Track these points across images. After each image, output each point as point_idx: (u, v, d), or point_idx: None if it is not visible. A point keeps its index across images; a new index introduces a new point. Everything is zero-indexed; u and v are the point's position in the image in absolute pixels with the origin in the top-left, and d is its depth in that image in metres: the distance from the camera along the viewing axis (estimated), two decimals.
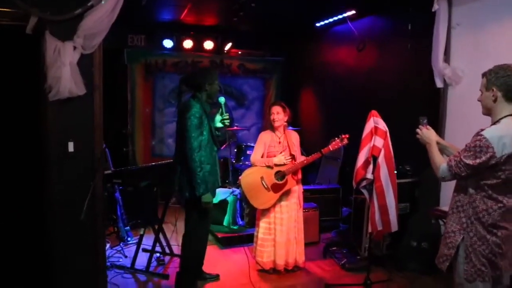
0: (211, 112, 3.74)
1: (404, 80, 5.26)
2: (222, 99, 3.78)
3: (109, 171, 4.51)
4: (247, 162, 6.15)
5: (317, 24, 6.92)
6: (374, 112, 3.91)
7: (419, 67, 4.90)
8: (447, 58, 4.47)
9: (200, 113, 3.48)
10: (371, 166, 3.81)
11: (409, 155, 4.37)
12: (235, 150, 6.49)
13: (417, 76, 5.00)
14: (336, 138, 4.08)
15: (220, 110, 3.76)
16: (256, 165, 4.27)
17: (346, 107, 6.55)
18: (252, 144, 6.37)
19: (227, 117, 3.76)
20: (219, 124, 3.78)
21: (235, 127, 6.71)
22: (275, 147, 4.30)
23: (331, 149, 4.06)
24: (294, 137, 4.40)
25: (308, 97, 7.96)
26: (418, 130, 2.73)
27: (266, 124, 8.90)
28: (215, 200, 5.61)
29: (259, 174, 4.21)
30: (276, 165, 4.20)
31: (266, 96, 8.61)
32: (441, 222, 4.21)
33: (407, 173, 4.71)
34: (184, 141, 3.46)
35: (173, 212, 5.39)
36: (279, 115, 4.26)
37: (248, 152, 6.29)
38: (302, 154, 4.48)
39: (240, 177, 4.40)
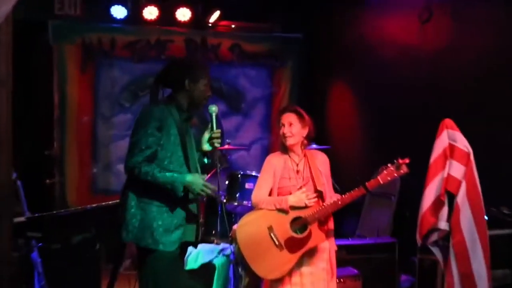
0: (191, 122, 3.81)
1: (498, 69, 5.23)
2: (213, 109, 3.84)
3: (22, 218, 4.49)
4: (245, 203, 6.16)
5: None
6: (448, 121, 3.94)
7: None
8: None
9: (163, 116, 3.55)
10: (445, 210, 3.84)
11: (508, 191, 4.34)
12: (226, 182, 6.49)
13: None
14: (389, 165, 4.08)
15: (210, 125, 3.83)
16: (261, 208, 4.29)
17: (403, 112, 6.52)
18: (253, 173, 6.36)
19: (218, 135, 3.80)
20: (206, 146, 3.85)
21: (226, 146, 6.72)
22: (291, 179, 4.32)
23: (382, 182, 4.05)
24: (321, 161, 4.43)
25: (342, 97, 7.96)
26: None
27: (276, 141, 8.90)
28: (195, 264, 5.45)
29: (265, 222, 4.22)
30: (293, 208, 4.20)
31: (275, 96, 8.64)
32: None
33: (505, 219, 4.65)
34: None
35: (126, 282, 5.31)
36: (293, 127, 4.31)
37: (247, 185, 6.30)
38: (334, 189, 4.49)
39: (234, 227, 4.40)
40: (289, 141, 4.31)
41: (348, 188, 4.20)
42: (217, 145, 3.78)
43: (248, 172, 6.47)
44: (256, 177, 6.41)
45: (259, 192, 4.35)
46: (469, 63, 5.58)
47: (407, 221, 6.21)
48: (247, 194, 6.22)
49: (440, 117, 3.97)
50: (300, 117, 4.34)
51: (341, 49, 7.80)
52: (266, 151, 8.59)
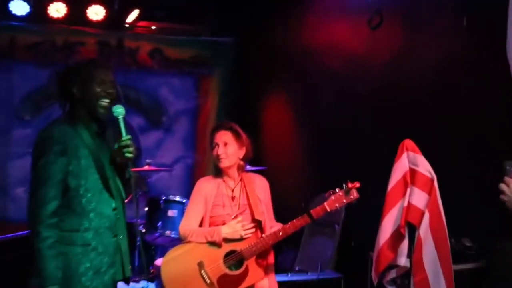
0: (104, 136, 3.63)
1: (454, 79, 5.29)
2: (118, 110, 3.62)
3: None
4: (168, 233, 6.21)
5: None
6: (408, 143, 3.95)
7: (482, 58, 4.94)
8: None
9: (66, 137, 3.35)
10: (405, 244, 3.85)
11: (469, 221, 4.38)
12: (146, 209, 6.52)
13: (479, 74, 5.02)
14: (337, 190, 4.10)
15: (119, 129, 3.59)
16: (189, 241, 4.26)
17: (351, 129, 6.54)
18: (177, 198, 6.42)
19: (129, 142, 3.58)
20: (117, 159, 3.61)
21: (146, 166, 6.70)
22: (226, 207, 4.33)
23: (329, 209, 4.06)
24: (260, 187, 4.46)
25: (280, 111, 7.96)
26: (502, 185, 2.64)
27: (203, 160, 9.16)
28: None
29: (195, 257, 4.19)
30: (227, 240, 4.18)
31: (201, 108, 8.68)
32: None
33: (466, 252, 4.67)
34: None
35: None
36: (228, 147, 4.32)
37: (170, 212, 6.34)
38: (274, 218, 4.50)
39: (158, 263, 4.40)
40: (224, 163, 4.31)
41: (288, 216, 4.18)
42: (128, 155, 3.55)
43: (172, 197, 6.51)
44: (180, 202, 6.52)
45: (188, 222, 4.33)
46: (426, 72, 5.61)
47: (353, 253, 6.22)
48: (170, 222, 6.30)
49: (395, 134, 3.96)
50: (237, 136, 4.36)
51: (279, 56, 7.80)
52: (191, 172, 8.71)
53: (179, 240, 6.36)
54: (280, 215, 4.48)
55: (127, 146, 3.49)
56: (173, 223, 6.31)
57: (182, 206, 6.43)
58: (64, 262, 3.30)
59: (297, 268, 6.62)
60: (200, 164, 8.65)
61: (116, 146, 3.56)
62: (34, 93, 7.99)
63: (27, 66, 7.91)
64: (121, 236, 3.53)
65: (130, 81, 8.08)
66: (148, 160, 6.80)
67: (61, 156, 3.30)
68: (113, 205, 3.49)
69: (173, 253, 4.25)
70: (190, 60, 8.54)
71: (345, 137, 6.61)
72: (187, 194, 8.01)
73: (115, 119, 3.55)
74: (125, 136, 3.49)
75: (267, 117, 8.19)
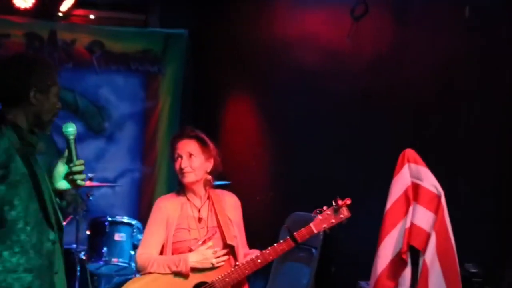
0: (36, 149, 3.51)
1: (459, 81, 5.31)
2: (69, 130, 3.55)
3: None
4: (115, 260, 6.29)
5: None
6: (410, 152, 3.98)
7: (486, 54, 4.99)
8: None
9: (7, 159, 3.23)
10: (408, 272, 3.86)
11: (475, 244, 4.41)
12: (88, 232, 6.55)
13: (484, 73, 5.07)
14: (324, 208, 4.16)
15: (66, 152, 3.53)
16: (149, 271, 4.24)
17: (331, 137, 6.53)
18: (125, 219, 6.52)
19: (82, 168, 3.51)
20: (62, 184, 3.54)
21: (87, 182, 6.57)
22: (191, 231, 4.34)
23: (316, 231, 4.15)
24: (231, 205, 4.52)
25: (244, 116, 7.99)
26: None
27: (152, 174, 9.11)
28: None
29: None
30: (195, 270, 4.19)
31: (150, 113, 8.70)
32: None
33: (471, 280, 4.66)
34: None
35: None
36: (193, 159, 4.35)
37: (117, 236, 6.39)
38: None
39: None
40: (188, 178, 4.33)
41: (255, 240, 4.33)
42: (80, 183, 3.51)
43: (118, 217, 6.57)
44: (128, 224, 6.57)
45: (147, 249, 4.32)
46: (421, 72, 5.64)
47: (333, 281, 6.30)
48: (118, 248, 6.36)
49: (391, 144, 3.95)
50: (203, 145, 4.39)
51: (243, 51, 7.80)
52: (138, 187, 8.74)
53: (128, 269, 6.43)
54: (247, 239, 4.51)
55: (79, 172, 3.43)
56: (121, 249, 6.35)
57: (130, 229, 6.50)
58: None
59: None
60: (149, 178, 8.67)
61: (65, 169, 3.50)
62: None
63: None
64: (59, 273, 3.44)
65: (65, 80, 7.96)
66: (90, 175, 6.74)
67: (1, 183, 3.19)
68: (52, 237, 3.39)
69: (131, 286, 4.20)
70: (136, 55, 8.52)
71: (325, 146, 6.61)
72: (134, 214, 8.11)
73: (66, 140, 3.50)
74: (77, 161, 3.43)
75: (229, 123, 8.21)
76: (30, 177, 3.29)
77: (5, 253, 3.19)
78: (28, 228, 3.25)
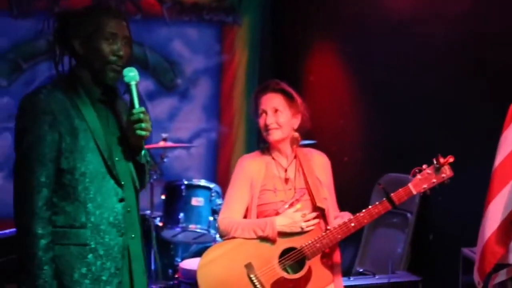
0: (114, 104, 3.61)
1: None
2: (130, 74, 3.59)
3: None
4: (193, 227, 6.32)
5: None
6: None
7: None
8: None
9: (55, 106, 3.34)
10: None
11: None
12: (162, 197, 6.60)
13: None
14: (424, 167, 4.15)
15: (131, 99, 3.57)
16: (232, 237, 4.29)
17: (428, 89, 6.46)
18: (202, 183, 6.54)
19: (142, 115, 3.54)
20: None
21: (161, 143, 6.76)
22: (278, 192, 4.36)
23: (415, 192, 4.14)
24: (320, 165, 4.53)
25: (329, 69, 7.96)
26: None
27: (230, 134, 9.21)
28: None
29: (241, 258, 4.21)
30: (282, 235, 4.21)
31: (226, 67, 8.73)
32: None
33: None
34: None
35: None
36: (279, 115, 4.37)
37: (194, 201, 6.41)
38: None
39: (184, 265, 4.60)
40: (274, 136, 4.34)
41: (346, 204, 4.32)
42: (141, 133, 3.51)
43: (195, 181, 6.59)
44: (206, 188, 6.61)
45: (229, 212, 4.35)
46: None
47: (431, 249, 6.28)
48: (195, 214, 6.38)
49: (499, 97, 3.87)
50: (290, 100, 4.40)
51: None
52: (214, 148, 8.79)
53: (206, 236, 6.50)
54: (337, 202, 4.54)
55: (139, 120, 3.44)
56: (198, 215, 6.40)
57: (209, 193, 6.53)
58: (56, 262, 3.31)
59: (358, 270, 6.68)
60: (227, 138, 8.75)
61: (125, 120, 3.56)
62: (9, 51, 8.04)
63: None
64: (132, 235, 3.53)
65: (134, 34, 7.99)
66: (163, 135, 6.79)
67: (51, 129, 3.30)
68: (120, 195, 3.47)
69: (213, 253, 4.27)
70: (210, 4, 8.54)
71: (420, 102, 6.57)
72: (212, 176, 8.18)
73: (126, 85, 3.54)
74: (137, 108, 3.46)
75: (313, 77, 8.19)
76: (93, 129, 3.38)
77: (62, 206, 3.32)
78: (87, 180, 3.34)
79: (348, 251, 6.94)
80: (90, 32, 3.42)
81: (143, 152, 3.62)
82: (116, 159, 3.49)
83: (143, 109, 3.45)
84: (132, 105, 3.47)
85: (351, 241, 6.88)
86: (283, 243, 4.16)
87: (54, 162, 3.30)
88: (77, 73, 3.46)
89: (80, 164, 3.35)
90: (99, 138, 3.41)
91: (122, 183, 3.48)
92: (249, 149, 7.89)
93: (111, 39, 3.42)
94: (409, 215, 6.51)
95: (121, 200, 3.45)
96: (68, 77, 3.48)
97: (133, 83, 3.49)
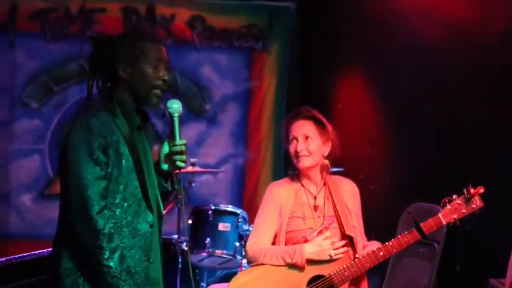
0: (146, 130, 3.66)
1: None
2: (175, 106, 3.64)
3: None
4: (219, 252, 6.28)
5: None
6: None
7: None
8: None
9: (106, 129, 3.37)
10: None
11: None
12: (190, 221, 6.57)
13: None
14: (454, 197, 4.16)
15: (171, 132, 3.63)
16: (261, 262, 4.28)
17: (457, 119, 6.39)
18: (229, 208, 6.53)
19: (183, 148, 3.59)
20: (165, 166, 3.66)
21: (190, 167, 6.77)
22: (307, 219, 4.35)
23: (444, 222, 4.15)
24: (349, 193, 4.52)
25: (357, 96, 7.96)
26: None
27: (257, 160, 9.18)
28: None
29: (269, 284, 4.23)
30: (311, 262, 4.18)
31: (255, 93, 8.71)
32: None
33: None
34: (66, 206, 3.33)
35: None
36: (310, 142, 4.37)
37: (221, 226, 6.39)
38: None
39: None
40: (305, 163, 4.34)
41: (372, 231, 4.37)
42: (180, 164, 3.60)
43: (222, 206, 6.58)
44: (234, 213, 6.59)
45: (258, 239, 4.35)
46: None
47: (459, 279, 6.22)
48: (222, 239, 6.36)
49: None
50: (321, 127, 4.44)
51: (356, 25, 7.76)
52: (241, 174, 8.73)
53: (233, 262, 6.49)
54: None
55: (181, 152, 3.53)
56: (225, 240, 6.38)
57: (235, 219, 6.50)
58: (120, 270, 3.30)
59: None
60: (253, 164, 8.73)
61: (166, 150, 3.61)
62: (42, 74, 8.06)
63: (33, 39, 7.98)
64: (151, 260, 3.51)
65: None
66: (192, 160, 6.80)
67: (103, 153, 3.31)
68: (150, 220, 3.50)
69: (241, 278, 4.25)
70: (239, 30, 8.55)
71: (447, 130, 6.52)
72: (238, 202, 8.15)
73: (170, 116, 3.59)
74: (180, 140, 3.54)
75: (341, 104, 8.17)
76: (132, 154, 3.41)
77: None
78: (125, 204, 3.37)
79: (374, 280, 6.85)
80: (135, 56, 3.46)
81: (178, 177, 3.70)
82: (148, 184, 3.51)
83: (185, 141, 3.53)
84: (173, 136, 3.54)
85: (377, 271, 6.80)
86: (311, 271, 4.15)
87: (107, 184, 3.32)
88: (120, 98, 3.50)
89: (122, 189, 3.38)
90: (136, 163, 3.44)
91: (152, 207, 3.50)
92: (276, 175, 7.88)
93: (156, 63, 3.47)
94: (435, 245, 6.44)
95: (151, 226, 3.47)
96: (108, 101, 3.50)
97: (176, 114, 3.56)
